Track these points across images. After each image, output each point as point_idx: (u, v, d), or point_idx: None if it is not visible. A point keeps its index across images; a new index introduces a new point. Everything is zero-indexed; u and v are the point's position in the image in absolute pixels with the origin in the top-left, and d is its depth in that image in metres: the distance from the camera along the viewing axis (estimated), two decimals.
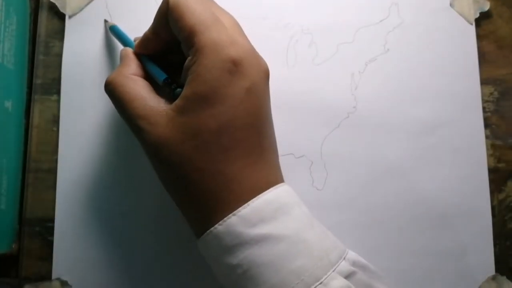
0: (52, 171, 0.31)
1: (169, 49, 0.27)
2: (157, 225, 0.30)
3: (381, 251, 0.31)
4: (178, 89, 0.25)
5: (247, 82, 0.23)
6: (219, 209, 0.23)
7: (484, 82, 0.33)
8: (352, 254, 0.24)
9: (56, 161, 0.31)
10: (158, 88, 0.26)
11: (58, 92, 0.32)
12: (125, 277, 0.30)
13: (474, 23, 0.33)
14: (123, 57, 0.28)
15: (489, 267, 0.31)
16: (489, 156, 0.32)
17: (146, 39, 0.27)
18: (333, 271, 0.22)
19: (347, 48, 0.33)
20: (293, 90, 0.32)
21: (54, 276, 0.30)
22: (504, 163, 0.32)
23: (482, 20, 0.34)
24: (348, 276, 0.23)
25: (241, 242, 0.22)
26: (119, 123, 0.31)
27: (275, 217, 0.23)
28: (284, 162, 0.31)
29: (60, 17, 0.32)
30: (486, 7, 0.33)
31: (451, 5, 0.33)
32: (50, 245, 0.30)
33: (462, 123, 0.32)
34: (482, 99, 0.33)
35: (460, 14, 0.33)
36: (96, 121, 0.31)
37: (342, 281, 0.22)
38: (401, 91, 0.32)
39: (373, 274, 0.24)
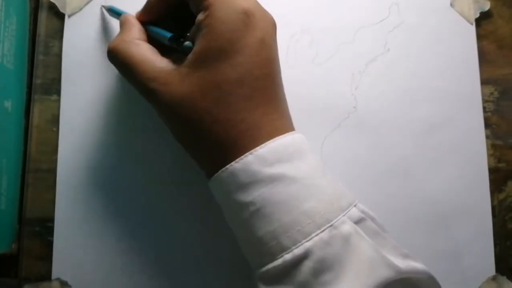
0: (52, 171, 0.31)
1: (171, 17, 0.27)
2: (157, 224, 0.30)
3: None
4: (187, 43, 0.25)
5: (261, 33, 0.24)
6: (237, 151, 0.23)
7: (484, 82, 0.33)
8: (361, 205, 0.24)
9: (56, 161, 0.31)
10: (163, 53, 0.26)
11: (58, 92, 0.32)
12: (125, 277, 0.30)
13: (474, 23, 0.33)
14: (123, 23, 0.27)
15: (490, 267, 0.31)
16: (489, 156, 0.32)
17: (149, 4, 0.27)
18: (344, 215, 0.22)
19: (347, 48, 0.33)
20: (293, 90, 0.31)
21: (54, 276, 0.30)
22: (504, 163, 0.32)
23: (482, 20, 0.34)
24: (357, 222, 0.23)
25: (256, 180, 0.22)
26: (119, 123, 0.31)
27: (291, 159, 0.23)
28: None
29: (60, 17, 0.32)
30: (487, 7, 0.33)
31: (451, 5, 0.33)
32: (50, 245, 0.30)
33: (462, 123, 0.32)
34: (482, 99, 0.33)
35: (461, 14, 0.33)
36: (96, 121, 0.31)
37: (351, 225, 0.22)
38: (401, 91, 0.32)
39: (380, 225, 0.24)
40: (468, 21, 0.33)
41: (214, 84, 0.23)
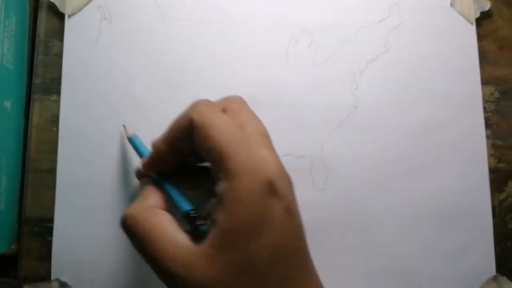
0: (52, 171, 0.31)
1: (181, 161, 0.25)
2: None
3: (381, 251, 0.31)
4: (204, 227, 0.22)
5: (286, 202, 0.22)
6: None
7: (484, 82, 0.33)
8: None
9: (55, 161, 0.31)
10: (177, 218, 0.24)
11: (57, 92, 0.32)
12: (125, 277, 0.30)
13: (474, 23, 0.33)
14: (142, 187, 0.25)
15: (490, 267, 0.31)
16: (489, 156, 0.32)
17: (159, 152, 0.25)
18: None
19: (348, 48, 0.32)
20: (293, 90, 0.32)
21: (53, 276, 0.30)
22: (504, 163, 0.32)
23: (482, 20, 0.33)
24: None
25: None
26: (119, 122, 0.31)
27: None
28: (285, 163, 0.31)
29: (60, 16, 0.32)
30: (487, 6, 0.33)
31: (451, 4, 0.33)
32: (49, 245, 0.30)
33: (462, 123, 0.32)
34: (483, 99, 0.33)
35: (461, 14, 0.33)
36: (96, 121, 0.31)
37: None
38: (402, 91, 0.32)
39: None
40: (469, 21, 0.33)
41: (245, 266, 0.20)
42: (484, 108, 0.33)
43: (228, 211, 0.21)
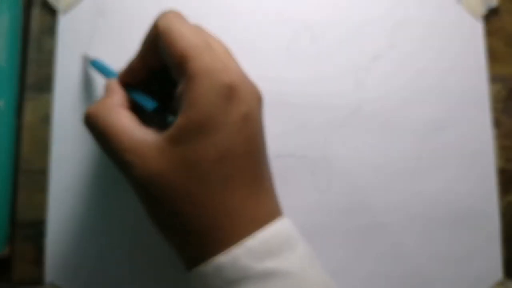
0: (44, 172, 0.31)
1: (156, 78, 0.26)
2: (153, 228, 0.30)
3: (385, 254, 0.30)
4: (171, 117, 0.24)
5: (244, 108, 0.23)
6: (219, 240, 0.22)
7: (492, 80, 0.33)
8: None
9: (48, 161, 0.31)
10: (145, 120, 0.25)
11: (51, 91, 0.31)
12: (119, 281, 0.30)
13: (482, 20, 0.33)
14: (106, 89, 0.27)
15: (497, 271, 0.31)
16: (497, 156, 0.32)
17: (132, 67, 0.26)
18: None
19: (351, 45, 0.32)
20: (294, 88, 0.32)
21: (46, 280, 0.30)
22: None
23: (490, 17, 0.33)
24: None
25: (247, 276, 0.21)
26: None
27: (282, 251, 0.22)
28: (285, 163, 0.31)
29: (53, 13, 0.32)
30: (494, 3, 0.33)
31: (458, 1, 0.33)
32: (42, 248, 0.30)
33: (469, 123, 0.32)
34: (490, 98, 0.32)
35: (468, 11, 0.33)
36: None
37: None
38: (407, 89, 0.32)
39: None
40: (476, 17, 0.33)
41: (193, 162, 0.22)
42: (492, 107, 0.32)
43: (183, 110, 0.22)
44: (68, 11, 0.32)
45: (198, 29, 0.24)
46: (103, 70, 0.29)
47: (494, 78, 0.33)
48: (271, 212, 0.23)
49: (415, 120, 0.32)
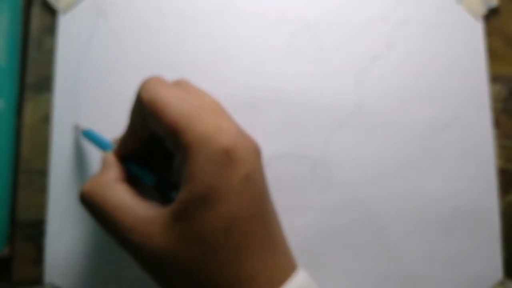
0: (44, 172, 0.31)
1: (153, 143, 0.25)
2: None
3: (385, 254, 0.30)
4: (174, 193, 0.23)
5: (244, 170, 0.22)
6: None
7: (492, 80, 0.33)
8: None
9: (48, 161, 0.31)
10: (144, 189, 0.24)
11: (51, 91, 0.31)
12: (119, 282, 0.30)
13: (482, 20, 0.33)
14: (102, 163, 0.26)
15: (497, 271, 0.31)
16: (497, 156, 0.32)
17: (124, 141, 0.25)
18: None
19: (351, 45, 0.32)
20: (294, 88, 0.32)
21: (46, 280, 0.30)
22: None
23: (490, 17, 0.33)
24: None
25: None
26: (114, 122, 0.31)
27: None
28: (286, 163, 0.31)
29: (53, 13, 0.32)
30: (494, 3, 0.33)
31: (458, 1, 0.33)
32: (42, 248, 0.30)
33: (469, 123, 0.32)
34: (491, 98, 0.32)
35: (468, 11, 0.33)
36: (90, 120, 0.31)
37: None
38: (407, 89, 0.32)
39: None
40: (475, 17, 0.33)
41: (200, 237, 0.21)
42: (492, 107, 0.32)
43: (184, 184, 0.22)
44: (68, 11, 0.32)
45: (182, 92, 0.23)
46: (97, 141, 0.28)
47: (494, 78, 0.33)
48: (287, 268, 0.23)
49: (415, 120, 0.32)
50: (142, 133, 0.24)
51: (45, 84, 0.31)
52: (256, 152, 0.23)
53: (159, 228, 0.22)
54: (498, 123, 0.32)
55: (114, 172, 0.25)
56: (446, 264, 0.30)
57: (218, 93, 0.31)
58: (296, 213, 0.30)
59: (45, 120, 0.31)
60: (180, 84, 0.25)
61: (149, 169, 0.25)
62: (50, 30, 0.32)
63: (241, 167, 0.22)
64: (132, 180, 0.25)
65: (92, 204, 0.23)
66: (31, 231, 0.30)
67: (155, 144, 0.25)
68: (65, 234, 0.30)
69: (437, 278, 0.30)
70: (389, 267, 0.30)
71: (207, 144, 0.21)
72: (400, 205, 0.31)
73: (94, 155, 0.31)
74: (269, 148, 0.31)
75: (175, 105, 0.22)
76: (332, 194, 0.31)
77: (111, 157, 0.26)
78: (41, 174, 0.31)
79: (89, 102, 0.31)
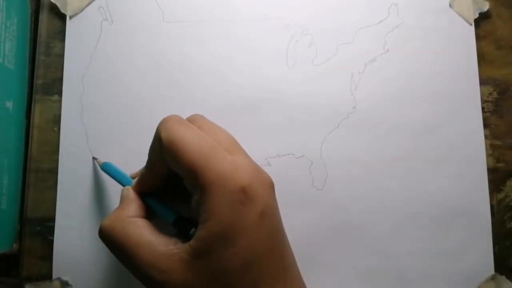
0: (53, 171, 0.31)
1: (171, 177, 0.25)
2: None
3: (380, 250, 0.31)
4: (193, 230, 0.23)
5: (260, 206, 0.22)
6: None
7: (483, 82, 0.33)
8: None
9: (57, 161, 0.31)
10: (164, 224, 0.25)
11: (59, 93, 0.32)
12: (126, 277, 0.30)
13: (473, 24, 0.33)
14: (121, 199, 0.26)
15: (488, 267, 0.31)
16: (488, 156, 0.32)
17: (143, 177, 0.26)
18: None
19: (347, 49, 0.33)
20: (293, 90, 0.32)
21: (54, 276, 0.30)
22: (503, 163, 0.32)
23: (481, 21, 0.34)
24: None
25: None
26: (121, 122, 0.31)
27: None
28: (285, 162, 0.31)
29: (61, 17, 0.32)
30: (485, 7, 0.33)
31: (450, 5, 0.33)
32: (51, 244, 0.30)
33: (461, 123, 0.32)
34: (481, 99, 0.33)
35: (459, 15, 0.33)
36: (97, 121, 0.31)
37: None
38: (401, 92, 0.32)
39: None
40: (467, 21, 0.33)
41: (219, 273, 0.22)
42: (483, 108, 0.33)
43: (203, 222, 0.22)
44: (76, 15, 0.32)
45: (199, 132, 0.24)
46: (116, 175, 0.28)
47: (485, 80, 0.33)
48: None
49: (408, 122, 0.32)
50: (161, 170, 0.24)
51: (53, 86, 0.32)
52: (270, 187, 0.24)
53: (178, 264, 0.22)
54: (488, 124, 0.33)
55: (133, 207, 0.25)
56: (438, 260, 0.31)
57: (219, 94, 0.32)
58: (294, 211, 0.31)
59: (54, 121, 0.31)
60: (196, 121, 0.25)
61: (167, 205, 0.25)
62: (59, 33, 0.32)
63: (257, 203, 0.22)
64: (150, 213, 0.25)
65: (111, 240, 0.23)
66: (40, 228, 0.31)
67: (174, 179, 0.25)
68: (72, 230, 0.30)
69: (430, 274, 0.31)
70: (383, 263, 0.31)
71: (224, 183, 0.22)
72: (395, 203, 0.31)
73: (99, 157, 0.31)
74: (268, 148, 0.31)
75: (192, 146, 0.22)
76: (329, 192, 0.31)
77: (130, 192, 0.26)
78: (49, 173, 0.31)
79: (96, 104, 0.31)
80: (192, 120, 0.25)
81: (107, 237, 0.24)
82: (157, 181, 0.25)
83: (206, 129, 0.25)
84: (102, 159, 0.30)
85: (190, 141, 0.22)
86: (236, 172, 0.22)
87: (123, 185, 0.28)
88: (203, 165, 0.22)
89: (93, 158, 0.30)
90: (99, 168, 0.30)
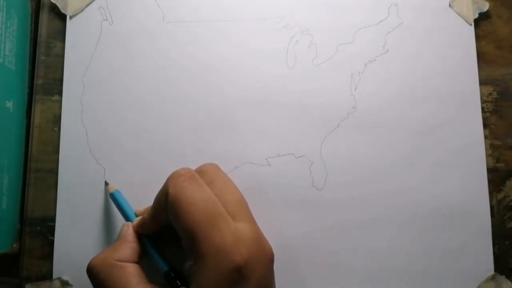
0: (53, 171, 0.31)
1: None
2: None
3: (380, 250, 0.31)
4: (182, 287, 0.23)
5: (253, 286, 0.22)
6: None
7: (483, 82, 0.33)
8: None
9: (57, 161, 0.31)
10: (155, 268, 0.25)
11: (59, 93, 0.32)
12: None
13: (473, 24, 0.33)
14: (119, 235, 0.26)
15: (488, 266, 0.31)
16: (488, 156, 0.32)
17: (145, 223, 0.26)
18: None
19: (347, 49, 0.33)
20: (293, 90, 0.32)
21: (55, 275, 0.30)
22: (503, 163, 0.33)
23: (481, 21, 0.34)
24: None
25: None
26: (120, 123, 0.31)
27: None
28: (285, 162, 0.31)
29: (61, 17, 0.32)
30: (485, 7, 0.33)
31: (450, 5, 0.33)
32: (51, 244, 0.30)
33: (461, 123, 0.32)
34: (481, 99, 0.33)
35: (459, 15, 0.33)
36: (97, 121, 0.31)
37: None
38: (400, 92, 0.32)
39: None
40: (467, 21, 0.33)
41: None
42: (482, 108, 0.33)
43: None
44: (76, 15, 0.32)
45: (208, 194, 0.23)
46: (121, 208, 0.29)
47: (485, 81, 0.33)
48: None
49: (408, 122, 0.32)
50: (163, 219, 0.24)
51: (53, 87, 0.32)
52: (268, 262, 0.23)
53: None
54: (488, 124, 0.33)
55: (127, 250, 0.25)
56: (438, 260, 0.31)
57: (219, 94, 0.32)
58: (294, 211, 0.31)
59: (54, 121, 0.32)
60: (207, 173, 0.25)
61: (162, 254, 0.26)
62: (59, 33, 0.32)
63: (251, 283, 0.22)
64: (145, 252, 0.25)
65: (97, 281, 0.24)
66: (40, 228, 0.31)
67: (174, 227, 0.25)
68: (72, 230, 0.30)
69: (430, 273, 0.31)
70: (384, 262, 0.31)
71: (221, 259, 0.21)
72: (395, 203, 0.31)
73: (99, 157, 0.31)
74: (268, 148, 0.31)
75: (197, 210, 0.22)
76: (328, 192, 0.31)
77: (129, 233, 0.26)
78: (49, 173, 0.31)
79: (97, 104, 0.31)
80: (203, 171, 0.25)
81: (93, 277, 0.24)
82: (157, 226, 0.25)
83: (216, 185, 0.24)
84: (107, 169, 0.31)
85: (196, 205, 0.22)
86: (235, 247, 0.22)
87: (126, 219, 0.28)
88: (204, 234, 0.22)
89: (106, 183, 0.30)
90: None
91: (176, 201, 0.22)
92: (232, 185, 0.25)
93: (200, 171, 0.25)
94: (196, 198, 0.22)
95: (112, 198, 0.29)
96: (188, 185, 0.23)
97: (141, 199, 0.30)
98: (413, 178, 0.32)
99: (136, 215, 0.28)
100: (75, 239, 0.30)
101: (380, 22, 0.33)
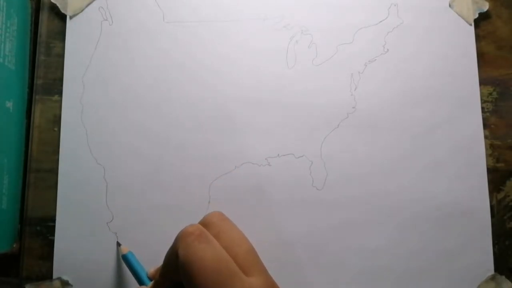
0: (53, 171, 0.31)
1: None
2: (157, 223, 0.31)
3: (380, 250, 0.31)
4: None
5: None
6: None
7: (483, 82, 0.33)
8: None
9: (57, 161, 0.31)
10: None
11: (59, 93, 0.32)
12: (126, 276, 0.30)
13: (473, 24, 0.33)
14: None
15: (488, 266, 0.31)
16: (488, 156, 0.32)
17: (158, 285, 0.26)
18: None
19: (347, 49, 0.33)
20: (293, 90, 0.32)
21: (55, 275, 0.30)
22: (503, 163, 0.33)
23: (481, 21, 0.34)
24: None
25: None
26: (120, 122, 0.31)
27: None
28: (285, 162, 0.31)
29: (61, 17, 0.32)
30: (485, 7, 0.34)
31: (450, 5, 0.33)
32: (51, 244, 0.30)
33: (461, 123, 0.32)
34: (481, 99, 0.33)
35: (459, 15, 0.33)
36: (97, 121, 0.31)
37: None
38: (400, 91, 0.32)
39: None
40: (467, 21, 0.33)
41: None
42: (482, 108, 0.33)
43: None
44: (76, 15, 0.32)
45: (219, 252, 0.23)
46: (135, 269, 0.29)
47: (485, 81, 0.33)
48: None
49: (408, 122, 0.32)
50: (175, 278, 0.24)
51: (53, 86, 0.32)
52: None
53: None
54: (488, 124, 0.33)
55: None
56: (438, 260, 0.31)
57: (219, 94, 0.32)
58: (294, 211, 0.31)
59: (54, 121, 0.32)
60: (213, 226, 0.25)
61: None
62: (59, 33, 0.32)
63: None
64: None
65: None
66: (40, 228, 0.31)
67: None
68: (72, 230, 0.30)
69: (430, 273, 0.31)
70: (384, 262, 0.31)
71: None
72: (394, 202, 0.31)
73: (99, 157, 0.31)
74: (268, 148, 0.31)
75: (210, 271, 0.22)
76: (328, 192, 0.31)
77: None
78: (49, 173, 0.31)
79: (97, 104, 0.31)
80: (209, 224, 0.25)
81: None
82: (171, 284, 0.25)
83: (224, 237, 0.24)
84: (106, 169, 0.30)
85: (208, 266, 0.22)
86: None
87: (139, 283, 0.28)
88: None
89: (117, 243, 0.30)
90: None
91: (187, 263, 0.22)
92: (240, 235, 0.25)
93: (207, 224, 0.25)
94: (207, 259, 0.22)
95: (125, 260, 0.29)
96: (198, 245, 0.23)
97: (141, 199, 0.31)
98: (412, 178, 0.32)
99: (149, 277, 0.28)
100: (75, 239, 0.30)
101: (380, 22, 0.33)
